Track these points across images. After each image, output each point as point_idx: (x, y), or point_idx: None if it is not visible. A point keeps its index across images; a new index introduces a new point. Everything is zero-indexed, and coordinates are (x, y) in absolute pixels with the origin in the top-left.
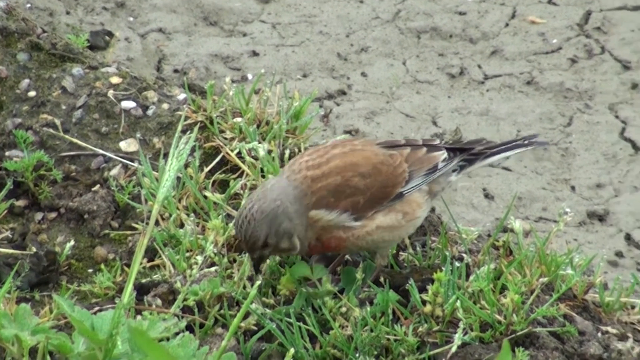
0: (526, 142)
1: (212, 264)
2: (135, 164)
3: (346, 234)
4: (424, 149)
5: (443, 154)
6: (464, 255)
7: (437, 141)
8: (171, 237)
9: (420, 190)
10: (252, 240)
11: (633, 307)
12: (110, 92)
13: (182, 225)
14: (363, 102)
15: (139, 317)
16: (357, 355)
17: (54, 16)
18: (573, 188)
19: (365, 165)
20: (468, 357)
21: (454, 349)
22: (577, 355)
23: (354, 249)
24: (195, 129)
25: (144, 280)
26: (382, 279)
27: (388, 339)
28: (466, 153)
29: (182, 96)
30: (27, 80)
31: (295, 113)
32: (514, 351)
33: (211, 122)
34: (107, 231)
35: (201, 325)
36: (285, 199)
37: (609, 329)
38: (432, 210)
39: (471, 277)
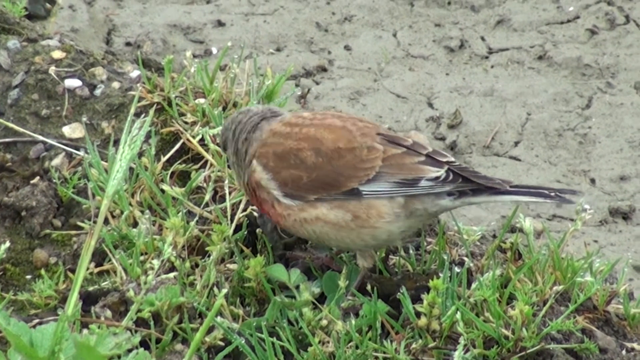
0: (553, 194)
1: (171, 269)
2: (81, 153)
3: (283, 210)
4: (419, 158)
5: (438, 172)
6: (465, 259)
7: (450, 157)
8: (123, 237)
9: (392, 200)
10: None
11: None
12: (52, 69)
13: (135, 224)
14: (346, 80)
15: (85, 331)
16: None
17: None
18: (593, 181)
19: (329, 144)
20: None
21: None
22: None
23: (303, 235)
24: (151, 111)
25: (91, 288)
26: (369, 287)
27: (376, 357)
28: (472, 184)
29: (135, 73)
30: None
31: (267, 93)
32: None
33: (169, 104)
34: (48, 231)
35: (158, 341)
36: (249, 129)
37: (635, 345)
38: None
39: (473, 285)
